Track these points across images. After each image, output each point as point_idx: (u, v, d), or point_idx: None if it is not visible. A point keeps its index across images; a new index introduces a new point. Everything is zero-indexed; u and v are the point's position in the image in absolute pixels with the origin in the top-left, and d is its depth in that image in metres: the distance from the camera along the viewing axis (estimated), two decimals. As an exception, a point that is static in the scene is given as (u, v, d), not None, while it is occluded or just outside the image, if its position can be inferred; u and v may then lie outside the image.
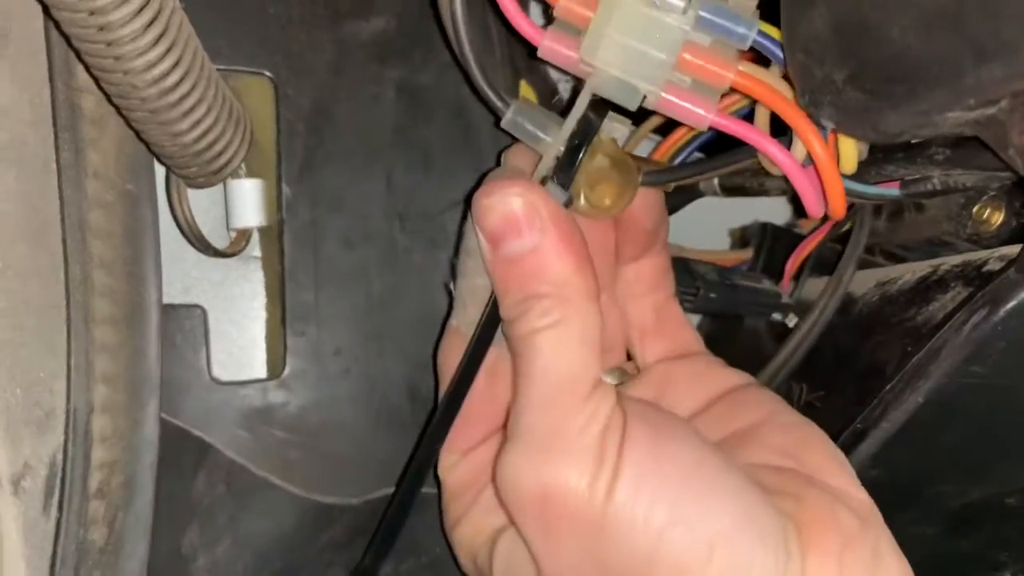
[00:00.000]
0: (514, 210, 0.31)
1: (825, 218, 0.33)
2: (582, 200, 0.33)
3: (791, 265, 0.42)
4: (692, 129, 0.42)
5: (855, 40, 0.25)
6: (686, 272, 0.39)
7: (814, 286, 0.42)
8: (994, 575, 0.38)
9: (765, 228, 0.48)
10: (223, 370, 0.38)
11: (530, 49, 0.33)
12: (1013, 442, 0.33)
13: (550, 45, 0.32)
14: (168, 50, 0.28)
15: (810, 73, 0.26)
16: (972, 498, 0.35)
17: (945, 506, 0.35)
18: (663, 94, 0.31)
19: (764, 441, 0.33)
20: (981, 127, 0.24)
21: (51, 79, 0.32)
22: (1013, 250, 0.33)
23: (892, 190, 0.34)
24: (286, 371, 0.38)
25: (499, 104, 0.35)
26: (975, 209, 0.38)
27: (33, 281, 0.31)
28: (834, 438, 0.35)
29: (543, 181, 0.33)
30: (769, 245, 0.47)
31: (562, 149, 0.33)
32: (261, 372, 0.39)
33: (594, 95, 0.33)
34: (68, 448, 0.32)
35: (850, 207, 0.34)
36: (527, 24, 0.32)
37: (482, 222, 0.31)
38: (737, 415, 0.35)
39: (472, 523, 0.35)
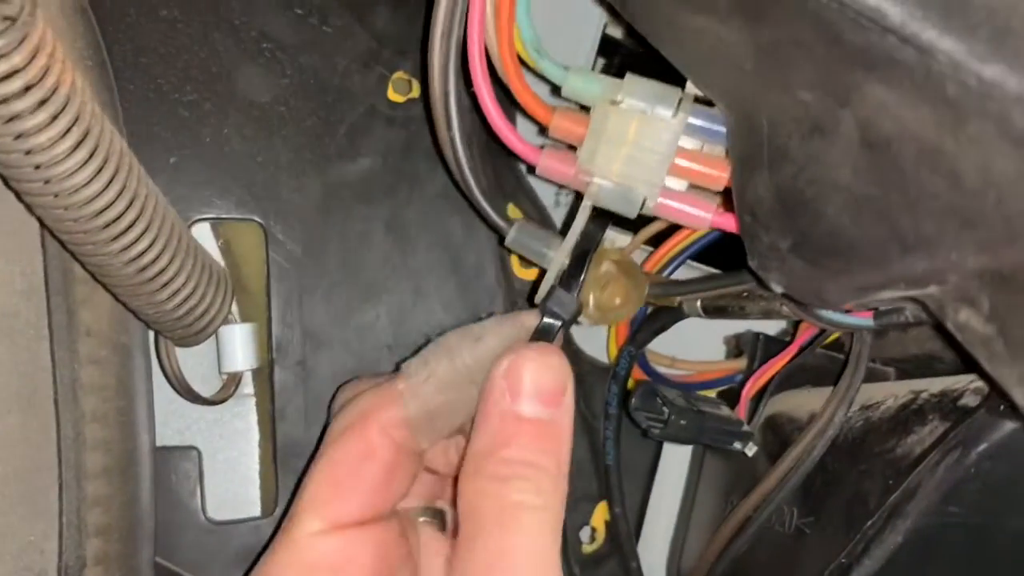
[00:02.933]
0: (561, 377, 0.31)
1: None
2: (591, 306, 0.34)
3: (750, 389, 0.43)
4: (682, 239, 0.43)
5: (796, 211, 0.25)
6: (655, 398, 0.39)
7: (779, 403, 0.42)
8: None
9: (758, 338, 0.48)
10: (218, 510, 0.39)
11: (528, 167, 0.34)
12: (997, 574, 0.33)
13: (547, 163, 0.33)
14: (145, 230, 0.29)
15: (758, 238, 0.27)
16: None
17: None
18: (661, 199, 0.33)
19: None
20: (922, 301, 0.24)
21: (43, 246, 0.33)
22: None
23: (866, 320, 0.34)
24: (278, 508, 0.39)
25: (502, 224, 0.36)
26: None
27: (21, 448, 0.32)
28: (821, 571, 0.35)
29: (551, 291, 0.34)
30: (762, 355, 0.47)
31: (566, 263, 0.34)
32: (255, 510, 0.39)
33: (594, 208, 0.34)
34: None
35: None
36: (523, 145, 0.34)
37: (522, 373, 0.31)
38: None
39: None
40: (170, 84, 0.38)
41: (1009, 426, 0.30)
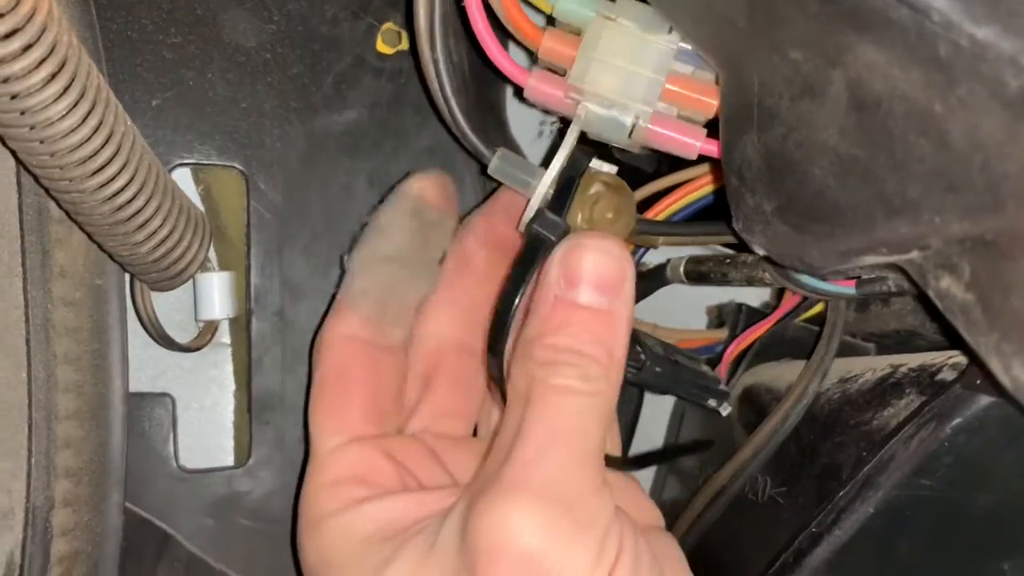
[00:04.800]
0: (621, 265, 0.30)
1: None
2: (580, 222, 0.33)
3: (731, 351, 0.42)
4: (674, 201, 0.42)
5: (783, 173, 0.25)
6: (634, 342, 0.38)
7: (757, 375, 0.42)
8: None
9: (740, 309, 0.48)
10: (190, 458, 0.39)
11: (516, 90, 0.33)
12: (967, 551, 0.33)
13: (536, 84, 0.33)
14: (122, 168, 0.28)
15: (743, 200, 0.27)
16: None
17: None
18: (651, 125, 0.32)
19: None
20: (903, 267, 0.24)
21: (18, 183, 0.33)
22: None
23: (848, 289, 0.34)
24: (252, 459, 0.39)
25: (485, 152, 0.35)
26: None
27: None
28: (792, 539, 0.35)
29: (537, 213, 0.33)
30: (744, 326, 0.47)
31: (552, 190, 0.33)
32: (228, 459, 0.39)
33: (581, 135, 0.33)
34: (27, 545, 0.32)
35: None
36: (512, 66, 0.33)
37: (581, 260, 0.30)
38: (654, 561, 0.34)
39: (349, 524, 0.32)
40: (154, 25, 0.37)
41: (984, 401, 0.29)
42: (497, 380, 0.32)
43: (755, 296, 0.50)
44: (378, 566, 0.30)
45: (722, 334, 0.48)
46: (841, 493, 0.33)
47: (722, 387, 0.41)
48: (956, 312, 0.22)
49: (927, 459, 0.31)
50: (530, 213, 0.33)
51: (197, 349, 0.38)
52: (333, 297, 0.35)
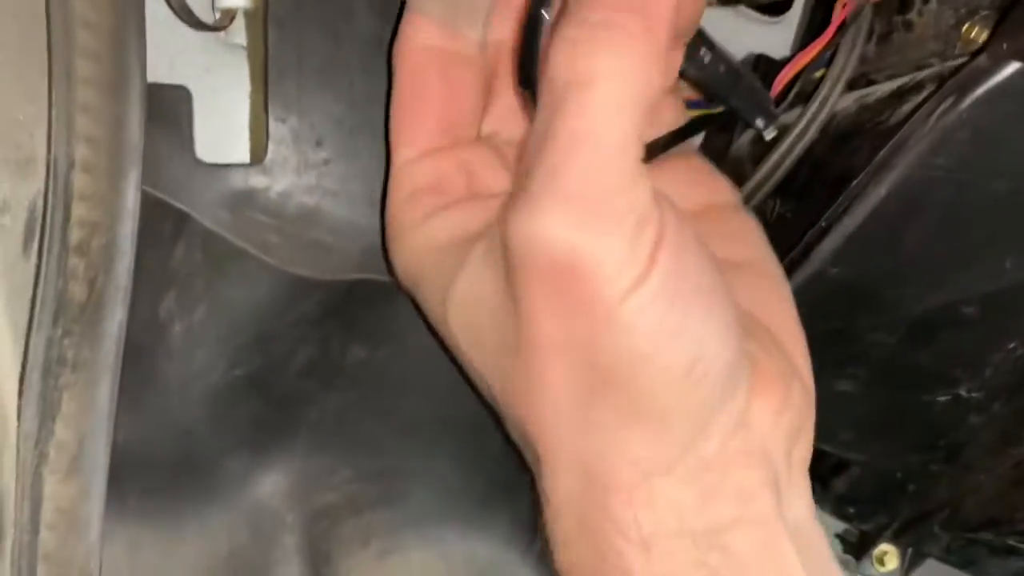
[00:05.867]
0: None
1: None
2: None
3: (784, 76, 0.41)
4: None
5: None
6: (699, 36, 0.35)
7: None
8: (950, 391, 0.38)
9: (759, 60, 0.47)
10: (206, 152, 0.39)
11: None
12: (973, 243, 0.34)
13: None
14: None
15: None
16: (931, 305, 0.36)
17: (904, 313, 0.36)
18: None
19: (747, 283, 0.33)
20: None
21: None
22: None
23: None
24: (268, 157, 0.39)
25: None
26: (964, 28, 0.38)
27: (10, 21, 0.31)
28: (799, 240, 0.36)
29: None
30: (762, 78, 0.47)
31: None
32: (244, 157, 0.39)
33: None
34: (48, 196, 0.33)
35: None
36: None
37: None
38: (725, 241, 0.34)
39: (426, 235, 0.33)
40: None
41: (1011, 68, 0.29)
42: (529, 87, 0.30)
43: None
44: (450, 274, 0.31)
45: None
46: (855, 182, 0.34)
47: (773, 108, 0.40)
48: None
49: (944, 135, 0.31)
50: None
51: (217, 29, 0.37)
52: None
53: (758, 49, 0.50)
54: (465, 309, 0.31)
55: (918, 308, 0.36)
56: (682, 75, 0.36)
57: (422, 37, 0.34)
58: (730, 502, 0.29)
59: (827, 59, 0.41)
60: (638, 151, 0.27)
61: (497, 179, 0.34)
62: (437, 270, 0.32)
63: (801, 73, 0.42)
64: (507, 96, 0.36)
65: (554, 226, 0.26)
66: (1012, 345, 0.37)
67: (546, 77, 0.28)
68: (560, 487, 0.30)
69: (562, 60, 0.27)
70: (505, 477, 0.39)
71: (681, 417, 0.28)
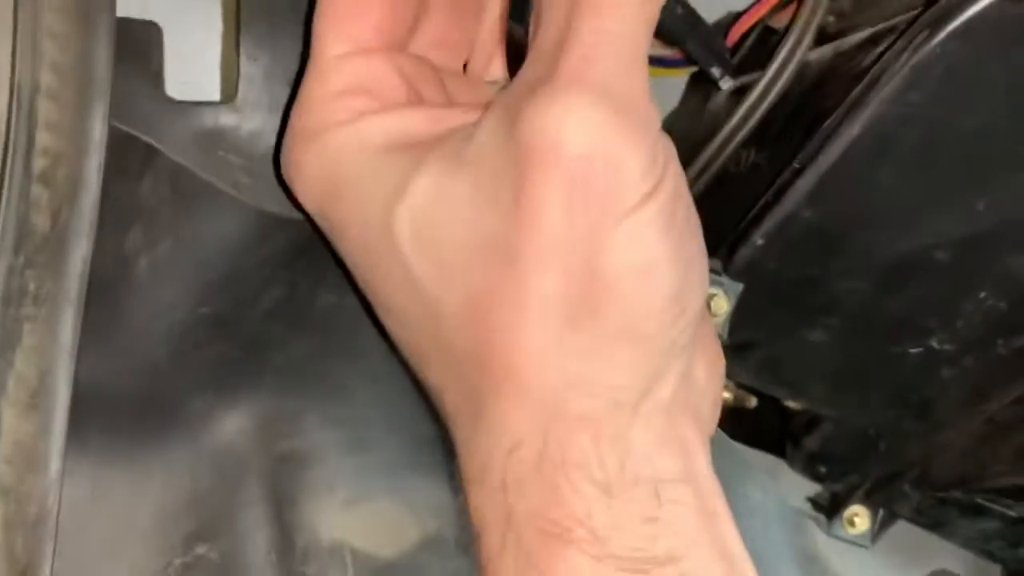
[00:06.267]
0: None
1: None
2: None
3: (741, 25, 0.41)
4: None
5: None
6: None
7: None
8: (921, 342, 0.38)
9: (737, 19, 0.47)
10: (176, 89, 0.38)
11: None
12: (946, 184, 0.34)
13: None
14: None
15: None
16: (904, 249, 0.35)
17: (877, 258, 0.36)
18: None
19: None
20: None
21: None
22: None
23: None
24: (239, 96, 0.38)
25: None
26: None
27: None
28: (771, 185, 0.36)
29: None
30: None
31: None
32: (215, 95, 0.39)
33: None
34: (12, 121, 0.32)
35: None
36: None
37: None
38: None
39: (358, 137, 0.30)
40: None
41: (983, 1, 0.29)
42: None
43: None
44: (399, 179, 0.29)
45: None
46: (828, 121, 0.33)
47: (729, 58, 0.40)
48: None
49: (917, 71, 0.31)
50: None
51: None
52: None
53: (739, 7, 0.50)
54: (423, 217, 0.28)
55: (891, 252, 0.36)
56: None
57: None
58: (676, 456, 0.28)
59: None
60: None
61: (438, 97, 0.33)
62: (376, 173, 0.30)
63: (757, 24, 0.42)
64: (442, 18, 0.34)
65: (586, 117, 0.26)
66: (983, 295, 0.36)
67: None
68: (521, 419, 0.27)
69: None
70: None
71: (657, 349, 0.28)
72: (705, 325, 0.31)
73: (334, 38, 0.31)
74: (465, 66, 0.37)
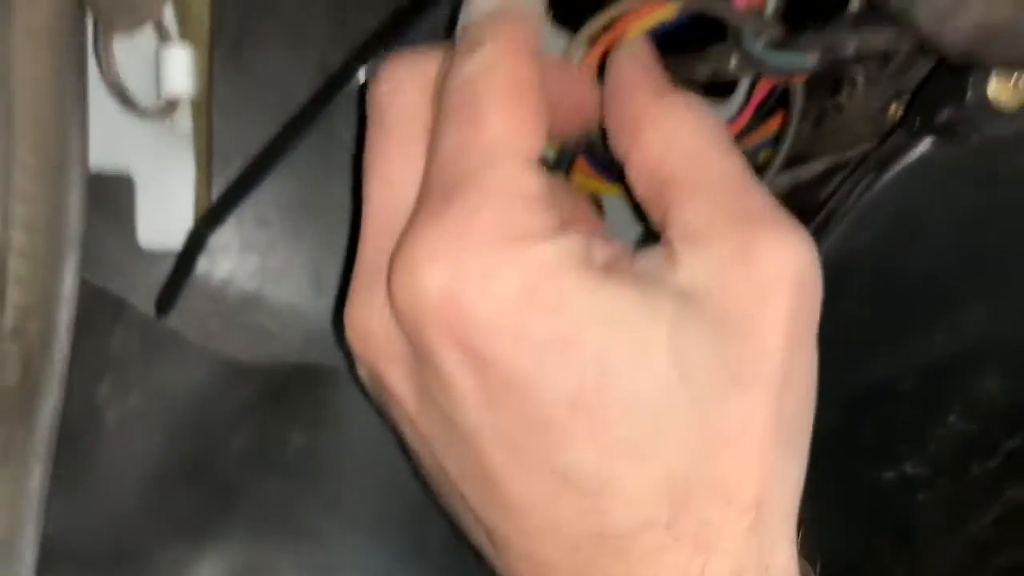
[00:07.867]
0: None
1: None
2: None
3: None
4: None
5: None
6: None
7: None
8: (895, 467, 0.38)
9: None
10: (149, 236, 0.39)
11: None
12: (900, 317, 0.34)
13: None
14: None
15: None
16: (868, 379, 0.36)
17: (842, 388, 0.36)
18: None
19: None
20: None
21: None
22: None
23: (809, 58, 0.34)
24: (211, 241, 0.39)
25: None
26: (891, 110, 0.39)
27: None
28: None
29: None
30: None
31: None
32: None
33: None
34: (-18, 279, 0.33)
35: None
36: None
37: None
38: None
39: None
40: None
41: (925, 143, 0.30)
42: None
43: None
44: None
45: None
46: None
47: None
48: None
49: (866, 211, 0.32)
50: None
51: (156, 118, 0.38)
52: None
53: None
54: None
55: (857, 381, 0.36)
56: None
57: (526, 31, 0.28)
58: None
59: (771, 140, 0.42)
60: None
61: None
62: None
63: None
64: None
65: (805, 249, 0.28)
66: (952, 419, 0.37)
67: None
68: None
69: None
70: (448, 566, 0.38)
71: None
72: None
73: (523, 146, 0.27)
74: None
